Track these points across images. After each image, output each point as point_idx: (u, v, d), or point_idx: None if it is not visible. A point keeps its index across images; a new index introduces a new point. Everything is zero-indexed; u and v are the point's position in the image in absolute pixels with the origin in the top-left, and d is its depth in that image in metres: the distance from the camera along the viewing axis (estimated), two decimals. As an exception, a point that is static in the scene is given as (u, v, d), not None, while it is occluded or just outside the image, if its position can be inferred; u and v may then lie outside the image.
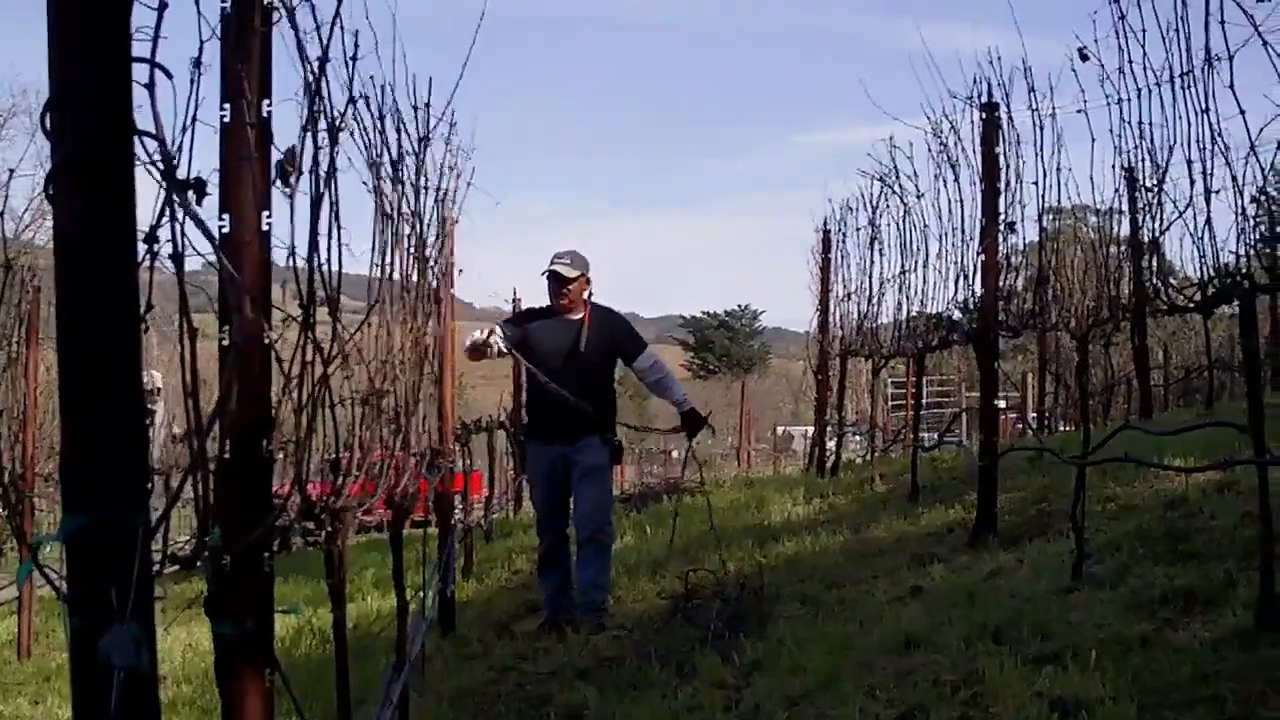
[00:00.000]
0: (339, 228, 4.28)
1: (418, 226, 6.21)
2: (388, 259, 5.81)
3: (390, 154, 5.76)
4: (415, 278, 6.18)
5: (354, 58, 4.58)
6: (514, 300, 22.97)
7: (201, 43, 3.44)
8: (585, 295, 10.96)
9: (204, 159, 3.29)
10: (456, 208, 7.12)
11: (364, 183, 5.55)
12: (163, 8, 2.90)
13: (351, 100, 4.68)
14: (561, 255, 10.83)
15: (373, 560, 16.33)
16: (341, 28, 4.18)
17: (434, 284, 6.86)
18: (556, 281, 10.81)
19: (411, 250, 6.09)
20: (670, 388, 11.44)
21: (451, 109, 6.56)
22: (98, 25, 2.50)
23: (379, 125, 5.60)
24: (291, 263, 3.97)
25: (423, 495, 10.48)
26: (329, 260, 4.24)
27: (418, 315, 6.23)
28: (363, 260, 5.65)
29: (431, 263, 6.72)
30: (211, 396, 3.51)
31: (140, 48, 2.78)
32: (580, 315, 10.91)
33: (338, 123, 4.26)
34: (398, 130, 5.89)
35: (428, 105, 6.20)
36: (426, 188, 6.32)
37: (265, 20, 3.64)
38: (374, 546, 18.21)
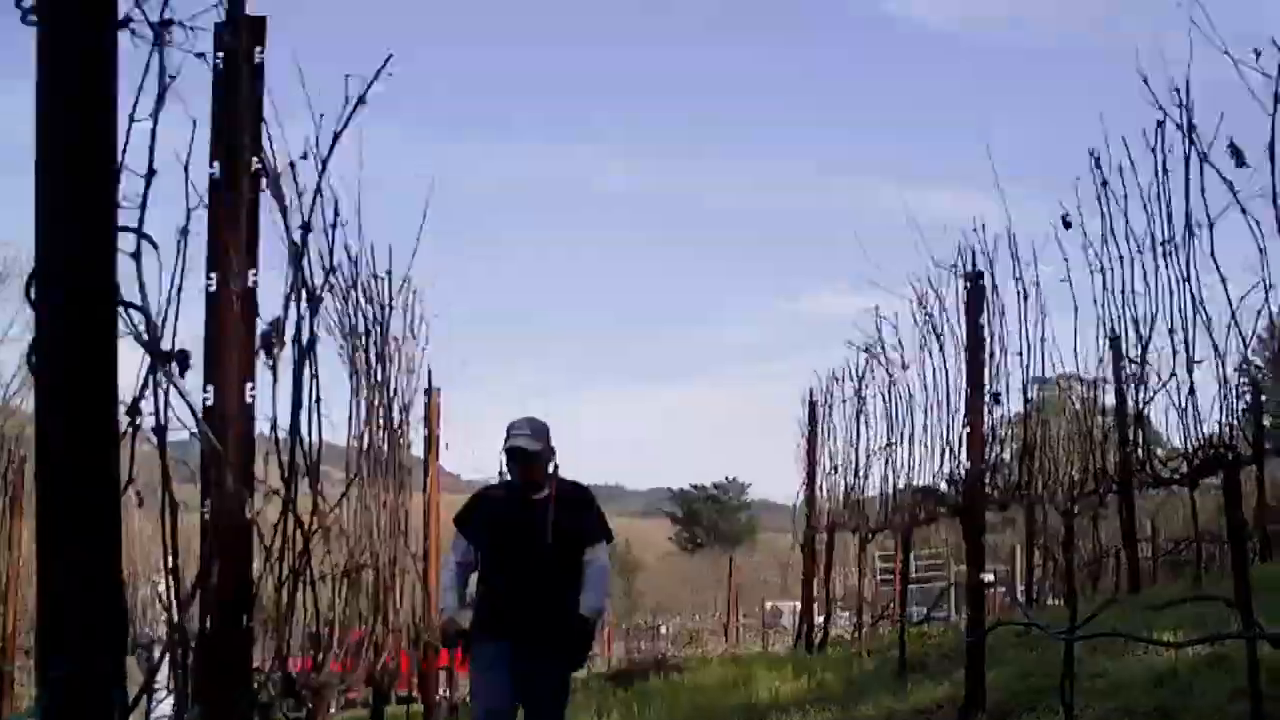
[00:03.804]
0: (319, 399, 4.29)
1: (385, 395, 6.22)
2: (363, 429, 5.83)
3: (364, 322, 5.80)
4: (387, 448, 6.19)
5: (334, 225, 4.63)
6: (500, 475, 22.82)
7: (189, 210, 3.45)
8: (550, 469, 9.10)
9: (189, 324, 3.30)
10: (416, 376, 7.11)
11: (340, 353, 5.57)
12: (150, 175, 2.91)
13: (330, 269, 4.72)
14: (519, 426, 8.90)
15: (356, 736, 16.14)
16: (320, 195, 4.22)
17: (408, 454, 6.85)
18: (521, 459, 8.88)
19: (382, 421, 6.10)
20: (591, 587, 8.96)
21: (408, 277, 6.55)
22: (84, 197, 2.51)
23: (352, 294, 5.65)
24: (273, 434, 3.97)
25: (406, 671, 10.28)
26: (310, 431, 4.24)
27: (391, 487, 6.23)
28: (340, 431, 5.67)
29: (404, 431, 6.72)
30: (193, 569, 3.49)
31: (127, 216, 2.80)
32: (545, 494, 8.96)
33: (318, 292, 4.29)
34: (368, 300, 5.94)
35: (389, 273, 6.20)
36: (390, 356, 6.33)
37: (254, 187, 3.67)
38: (357, 722, 18.01)
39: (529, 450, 8.80)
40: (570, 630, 8.78)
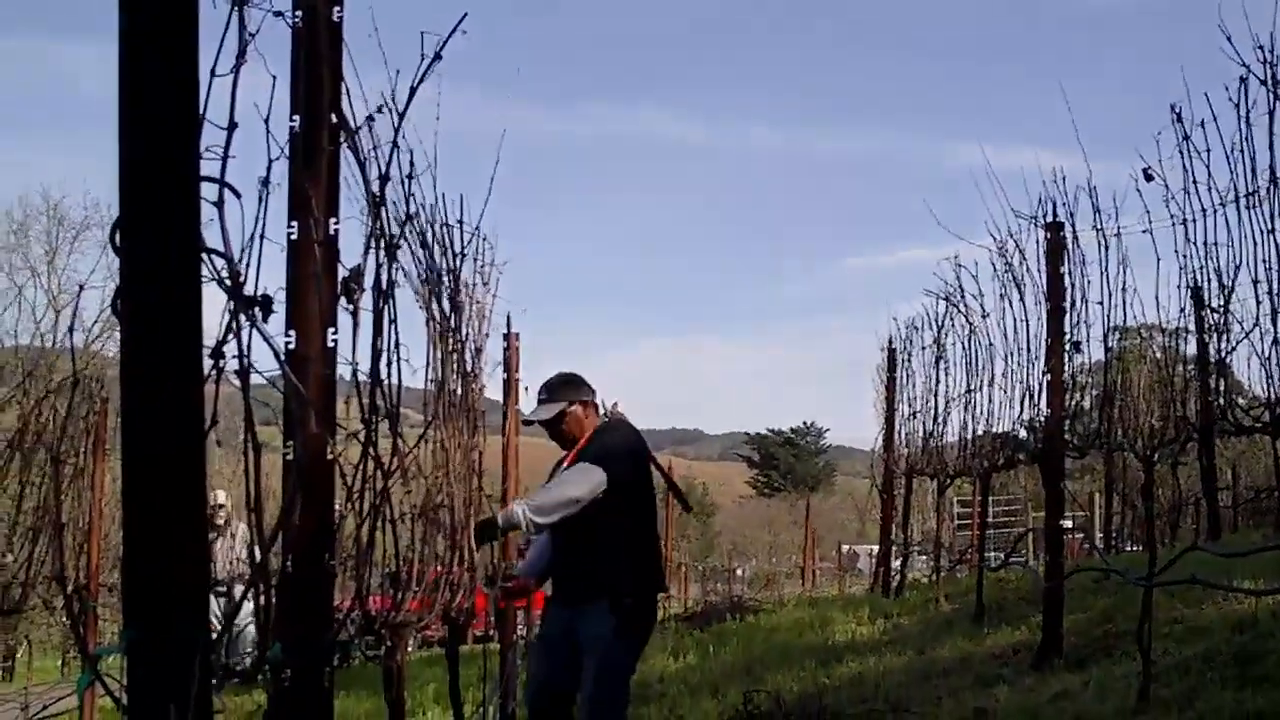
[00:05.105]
0: (398, 344, 4.34)
1: (458, 340, 6.26)
2: (439, 373, 5.87)
3: (437, 270, 5.84)
4: (460, 391, 6.22)
5: (410, 176, 4.65)
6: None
7: (270, 161, 3.49)
8: (593, 421, 8.53)
9: (271, 274, 3.34)
10: (487, 322, 7.14)
11: (416, 297, 5.62)
12: (232, 128, 2.95)
13: (409, 218, 4.75)
14: (541, 394, 8.56)
15: (434, 675, 16.24)
16: (397, 148, 4.26)
17: (483, 398, 6.89)
18: (546, 428, 8.53)
19: (456, 365, 6.14)
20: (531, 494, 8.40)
21: (480, 226, 6.55)
22: (167, 147, 2.54)
23: (430, 242, 5.69)
24: (354, 377, 4.02)
25: (484, 610, 10.31)
26: (390, 375, 4.29)
27: (465, 429, 6.26)
28: (419, 375, 5.70)
29: (476, 375, 6.76)
30: (276, 510, 3.54)
31: (209, 166, 2.83)
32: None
33: (395, 240, 4.33)
34: (442, 248, 5.98)
35: (460, 222, 6.22)
36: (462, 304, 6.35)
37: (333, 139, 3.70)
38: (436, 661, 18.17)
39: (542, 420, 8.45)
40: (597, 589, 8.04)
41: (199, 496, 2.62)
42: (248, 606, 3.52)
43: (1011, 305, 12.72)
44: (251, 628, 11.81)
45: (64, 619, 20.38)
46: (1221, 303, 8.48)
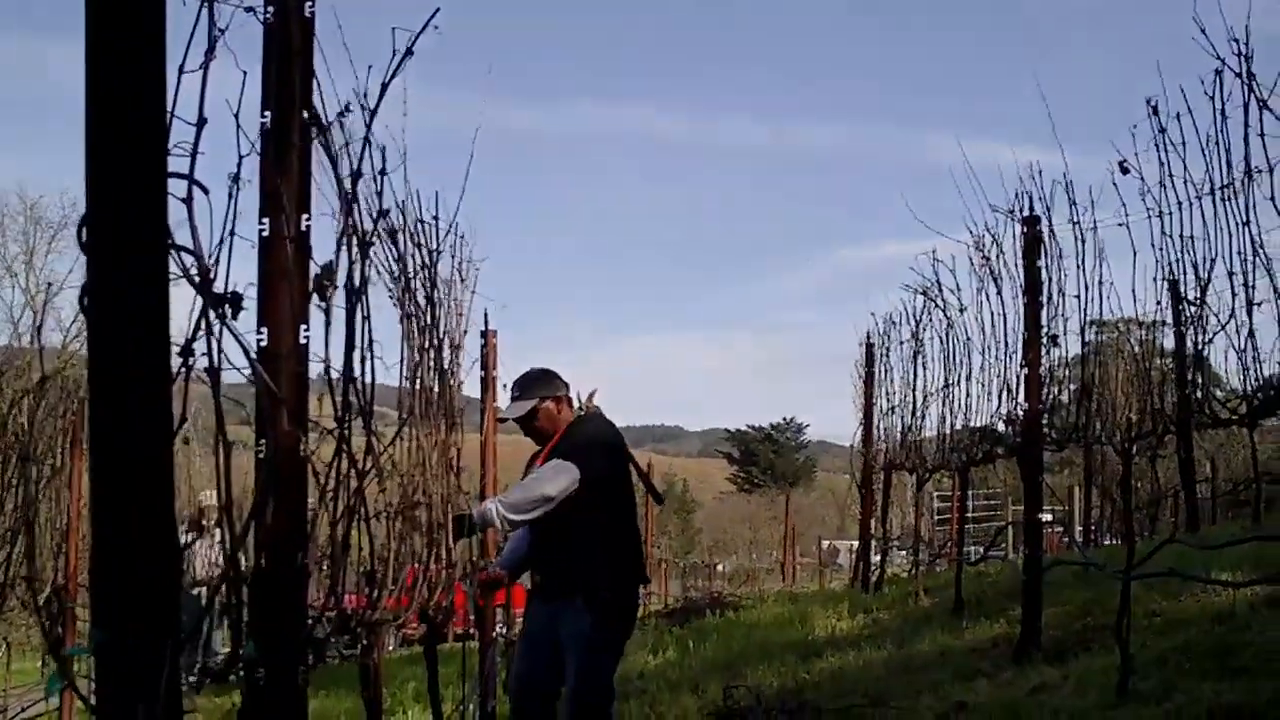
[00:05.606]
0: (371, 341, 4.32)
1: (434, 337, 6.24)
2: (412, 370, 5.85)
3: (412, 265, 5.83)
4: (436, 389, 6.20)
5: (383, 172, 4.63)
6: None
7: (240, 157, 3.47)
8: (567, 416, 8.47)
9: (241, 271, 3.32)
10: (465, 319, 7.11)
11: (390, 296, 5.60)
12: (201, 124, 2.93)
13: (381, 214, 4.73)
14: (514, 391, 8.48)
15: (414, 673, 16.19)
16: (369, 144, 4.24)
17: (459, 394, 6.86)
18: (519, 425, 8.51)
19: (432, 362, 6.12)
20: (504, 493, 8.45)
21: (456, 222, 6.52)
22: (134, 143, 2.52)
23: (400, 239, 5.67)
24: (326, 375, 4.00)
25: (463, 608, 10.27)
26: (363, 373, 4.27)
27: (442, 427, 6.24)
28: (393, 372, 5.68)
29: (453, 373, 6.73)
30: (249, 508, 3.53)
31: (178, 163, 2.82)
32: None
33: (367, 237, 4.32)
34: (416, 244, 5.96)
35: (435, 219, 6.20)
36: (439, 300, 6.33)
37: (305, 135, 3.68)
38: (416, 659, 18.11)
39: (516, 419, 8.44)
40: (574, 585, 8.00)
41: (168, 496, 2.61)
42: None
43: (989, 299, 12.76)
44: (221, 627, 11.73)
45: (38, 619, 20.34)
46: (1198, 295, 8.51)
